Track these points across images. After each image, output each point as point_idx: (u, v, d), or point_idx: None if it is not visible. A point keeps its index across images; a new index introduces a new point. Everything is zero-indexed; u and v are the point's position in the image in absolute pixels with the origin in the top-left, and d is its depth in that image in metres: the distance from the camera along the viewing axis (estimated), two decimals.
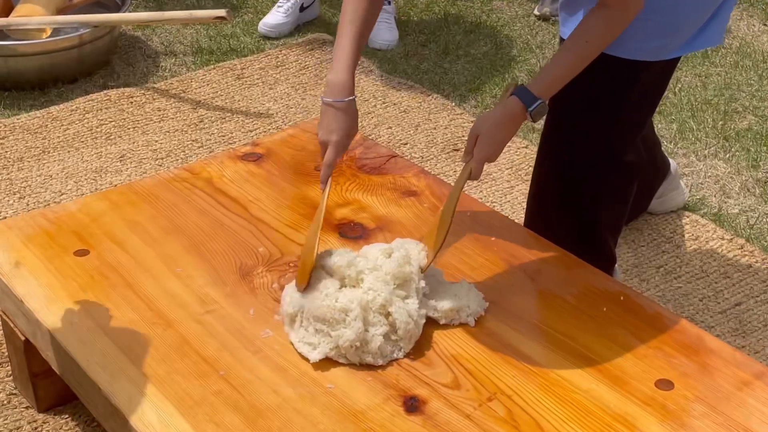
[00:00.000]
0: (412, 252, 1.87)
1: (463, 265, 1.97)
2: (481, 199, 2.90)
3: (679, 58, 2.15)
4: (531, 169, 3.03)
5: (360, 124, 3.28)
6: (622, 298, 1.89)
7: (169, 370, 1.72)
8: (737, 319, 2.46)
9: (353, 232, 2.08)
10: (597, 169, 2.16)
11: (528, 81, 1.93)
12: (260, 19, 3.91)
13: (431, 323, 1.82)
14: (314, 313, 1.75)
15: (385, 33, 3.83)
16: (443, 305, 1.82)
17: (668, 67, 2.13)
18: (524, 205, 2.88)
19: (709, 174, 3.05)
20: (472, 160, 1.87)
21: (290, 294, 1.82)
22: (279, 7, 3.89)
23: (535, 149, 3.12)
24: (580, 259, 2.01)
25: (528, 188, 2.97)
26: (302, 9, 3.91)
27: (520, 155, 3.12)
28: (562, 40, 2.12)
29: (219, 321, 1.84)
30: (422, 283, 1.83)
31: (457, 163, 3.10)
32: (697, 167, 3.08)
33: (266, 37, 3.84)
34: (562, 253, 2.03)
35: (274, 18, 3.87)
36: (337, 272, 1.81)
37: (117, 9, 3.65)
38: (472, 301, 1.84)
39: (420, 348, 1.78)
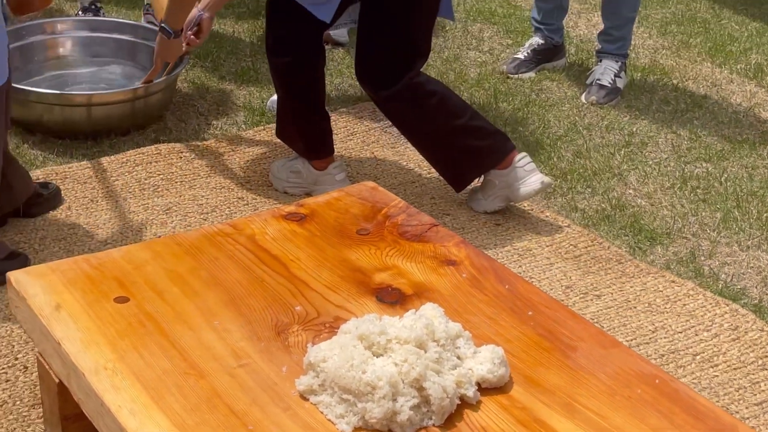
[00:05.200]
0: (434, 316, 1.88)
1: (498, 336, 1.97)
2: (520, 273, 2.89)
3: None
4: (571, 246, 3.04)
5: (403, 193, 3.30)
6: (657, 381, 1.88)
7: (198, 421, 1.73)
8: None
9: (390, 297, 2.08)
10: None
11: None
12: None
13: None
14: (339, 383, 1.74)
15: None
16: (480, 369, 1.82)
17: None
18: (563, 283, 2.88)
19: (752, 265, 3.03)
20: None
21: (313, 361, 1.79)
22: None
23: (577, 228, 3.13)
24: (616, 339, 1.99)
25: (567, 265, 2.98)
26: None
27: (562, 233, 3.12)
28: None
29: (251, 375, 1.84)
30: (458, 346, 1.84)
31: (497, 237, 3.10)
32: (739, 257, 3.06)
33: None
34: (598, 332, 2.02)
35: None
36: (366, 339, 1.80)
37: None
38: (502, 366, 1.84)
39: (450, 417, 1.77)
